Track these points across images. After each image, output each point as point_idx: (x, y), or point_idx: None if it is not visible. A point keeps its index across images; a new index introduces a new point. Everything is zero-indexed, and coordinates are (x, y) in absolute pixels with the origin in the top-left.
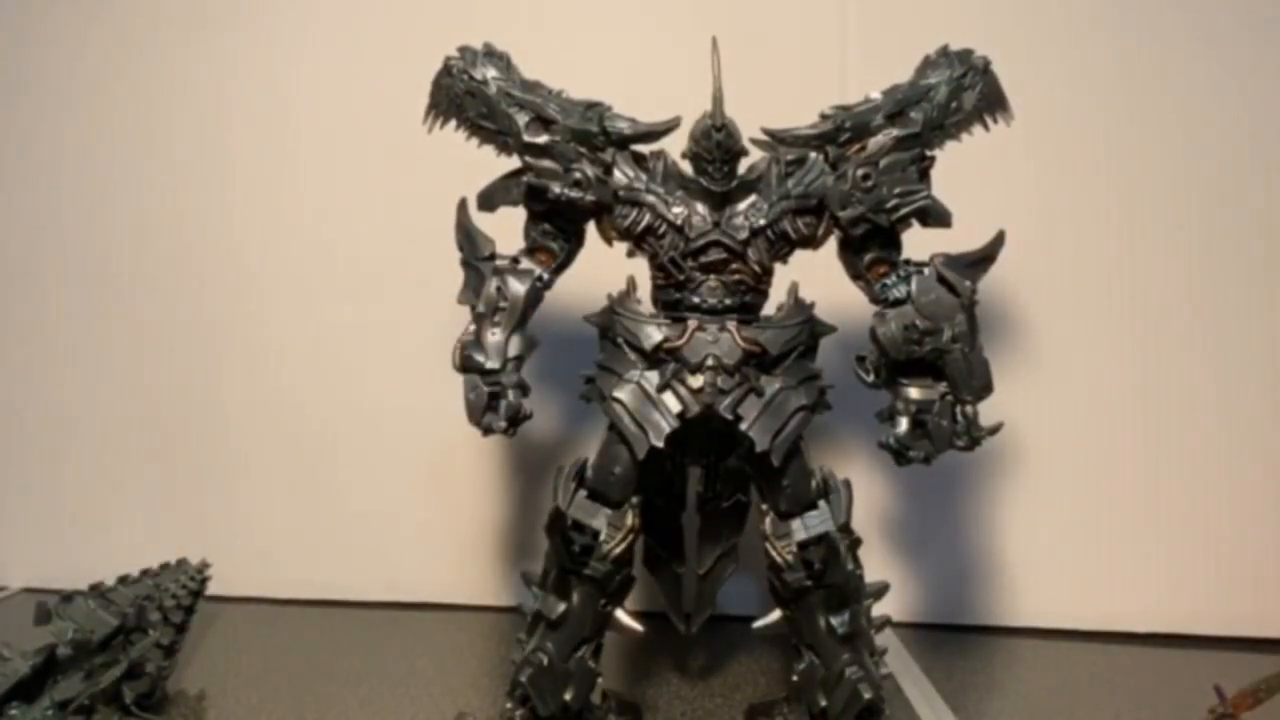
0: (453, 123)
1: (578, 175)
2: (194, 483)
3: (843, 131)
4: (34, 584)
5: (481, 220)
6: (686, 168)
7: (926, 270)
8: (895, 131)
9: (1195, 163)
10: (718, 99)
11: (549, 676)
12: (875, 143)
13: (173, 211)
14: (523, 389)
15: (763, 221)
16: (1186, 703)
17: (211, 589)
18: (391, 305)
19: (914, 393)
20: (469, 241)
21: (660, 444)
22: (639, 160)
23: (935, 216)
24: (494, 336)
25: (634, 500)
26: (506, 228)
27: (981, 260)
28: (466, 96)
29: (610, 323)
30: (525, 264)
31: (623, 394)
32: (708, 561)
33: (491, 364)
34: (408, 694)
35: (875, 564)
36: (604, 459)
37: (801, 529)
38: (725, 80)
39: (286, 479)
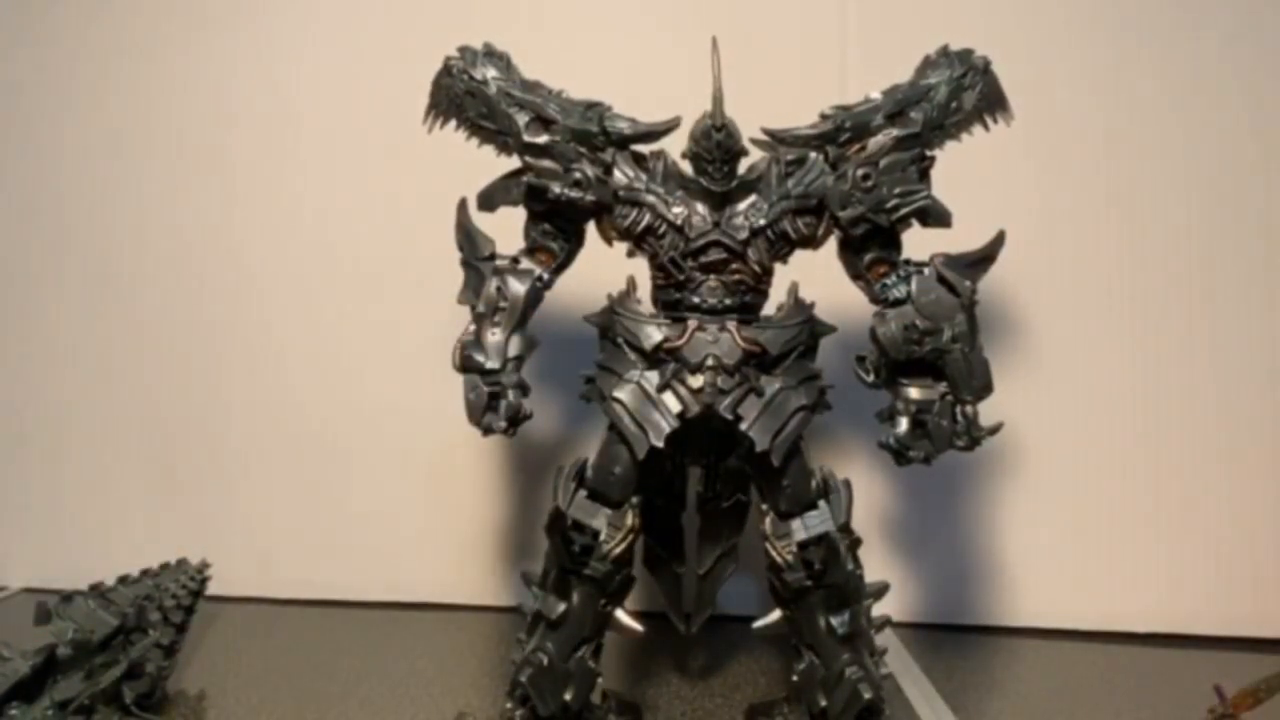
0: (453, 123)
1: (578, 175)
2: (194, 483)
3: (843, 131)
4: (34, 584)
5: (481, 220)
6: (686, 168)
7: (926, 270)
8: (895, 131)
9: (1195, 163)
10: (718, 99)
11: (549, 676)
12: (875, 143)
13: (172, 211)
14: (523, 389)
15: (763, 221)
16: (1186, 703)
17: (211, 589)
18: (391, 305)
19: (914, 393)
20: (469, 241)
21: (660, 444)
22: (639, 160)
23: (935, 216)
24: (494, 336)
25: (634, 500)
26: (506, 228)
27: (981, 260)
28: (466, 96)
29: (610, 323)
30: (525, 264)
31: (623, 394)
32: (708, 561)
33: (491, 364)
34: (408, 694)
35: (875, 564)
36: (604, 459)
37: (801, 529)
38: (725, 80)
39: (286, 479)
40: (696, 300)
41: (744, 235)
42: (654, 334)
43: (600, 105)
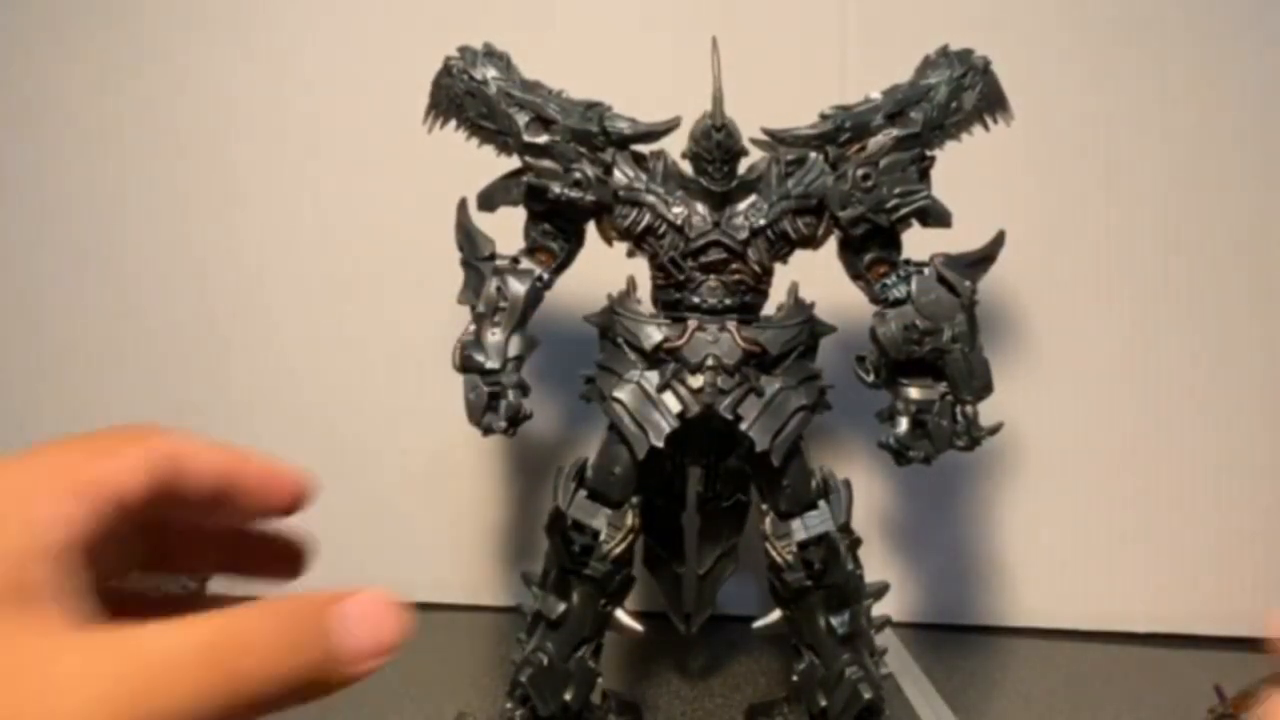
0: (453, 123)
1: (578, 175)
2: None
3: (843, 131)
4: None
5: (481, 220)
6: (686, 168)
7: (926, 270)
8: (895, 131)
9: (1196, 163)
10: (718, 99)
11: (549, 676)
12: (875, 143)
13: (172, 211)
14: (523, 389)
15: (763, 221)
16: (1186, 703)
17: (212, 589)
18: (391, 305)
19: (914, 393)
20: (469, 241)
21: (660, 444)
22: (639, 160)
23: (935, 216)
24: (494, 336)
25: (634, 500)
26: (506, 228)
27: (981, 260)
28: (466, 96)
29: (610, 323)
30: (525, 264)
31: (623, 394)
32: (708, 561)
33: (491, 364)
34: (408, 694)
35: (875, 564)
36: (604, 459)
37: (801, 529)
38: (725, 80)
39: None
40: (696, 300)
41: (744, 235)
42: (654, 334)
43: (600, 105)
